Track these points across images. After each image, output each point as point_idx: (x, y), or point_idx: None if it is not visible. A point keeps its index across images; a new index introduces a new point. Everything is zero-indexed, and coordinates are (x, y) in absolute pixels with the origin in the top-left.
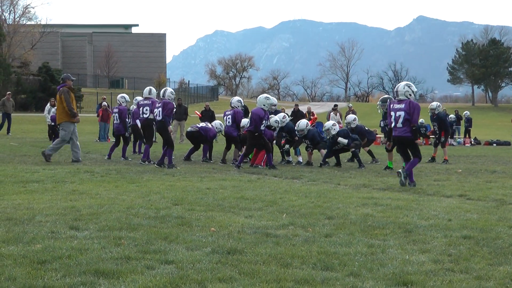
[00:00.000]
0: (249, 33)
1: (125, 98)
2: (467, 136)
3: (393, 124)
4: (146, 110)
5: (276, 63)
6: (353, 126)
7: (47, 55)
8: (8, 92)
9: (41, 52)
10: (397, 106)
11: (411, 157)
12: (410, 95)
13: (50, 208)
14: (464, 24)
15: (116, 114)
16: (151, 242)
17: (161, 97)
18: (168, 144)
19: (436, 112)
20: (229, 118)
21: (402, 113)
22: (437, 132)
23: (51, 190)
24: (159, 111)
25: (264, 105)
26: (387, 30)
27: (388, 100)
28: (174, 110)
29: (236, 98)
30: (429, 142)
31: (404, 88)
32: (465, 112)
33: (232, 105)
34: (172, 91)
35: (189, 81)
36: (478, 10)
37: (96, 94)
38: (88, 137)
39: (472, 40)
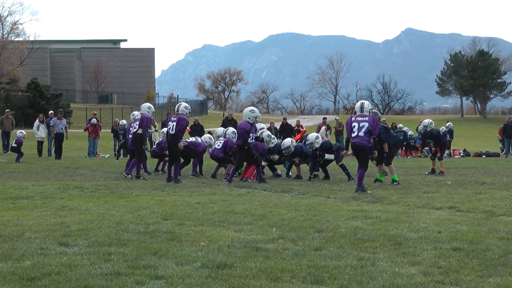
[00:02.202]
0: (237, 47)
1: (135, 116)
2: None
3: (355, 133)
4: (136, 125)
5: (265, 76)
6: None
7: (35, 71)
8: (7, 110)
9: (29, 68)
10: (360, 118)
11: (359, 165)
12: (371, 110)
13: (40, 224)
14: (452, 36)
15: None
16: (140, 257)
17: (175, 111)
18: (175, 159)
19: (429, 129)
20: (220, 142)
21: (366, 124)
22: (433, 148)
23: (40, 206)
24: (173, 125)
25: (249, 118)
26: (375, 43)
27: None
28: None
29: (232, 129)
30: (418, 154)
31: (369, 106)
32: (448, 123)
33: (227, 136)
34: (187, 105)
35: (178, 95)
36: (466, 22)
37: (85, 109)
38: (78, 152)
39: (460, 51)
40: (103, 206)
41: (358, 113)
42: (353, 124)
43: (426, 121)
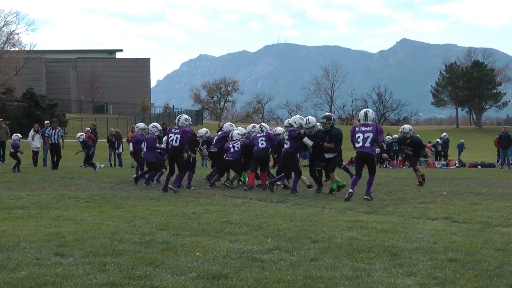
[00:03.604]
0: (233, 57)
1: (156, 128)
2: (446, 158)
3: (359, 144)
4: (176, 138)
5: (260, 87)
6: None
7: (31, 81)
8: (1, 119)
9: (25, 78)
10: (364, 129)
11: (368, 173)
12: (374, 119)
13: (35, 234)
14: (448, 46)
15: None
16: (136, 267)
17: (176, 124)
18: (182, 170)
19: (408, 136)
20: (237, 144)
21: (370, 135)
22: (411, 154)
23: (35, 216)
24: (177, 137)
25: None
26: (370, 53)
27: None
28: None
29: (239, 130)
30: (406, 165)
31: (372, 114)
32: (444, 134)
33: (234, 138)
34: (187, 117)
35: (173, 105)
36: (461, 33)
37: (80, 119)
38: (73, 162)
39: (455, 62)
40: (99, 216)
41: (362, 121)
42: (357, 134)
43: (407, 127)
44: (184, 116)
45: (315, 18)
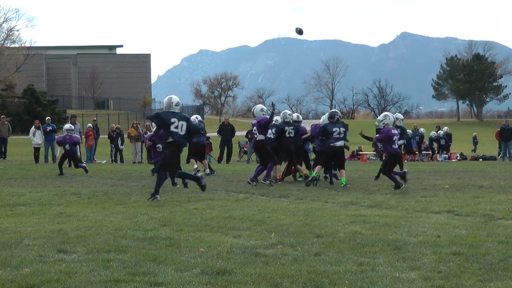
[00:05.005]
0: (233, 52)
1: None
2: (448, 152)
3: (396, 146)
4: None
5: (261, 81)
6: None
7: (32, 77)
8: (2, 116)
9: (25, 74)
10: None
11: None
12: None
13: (38, 231)
14: (448, 39)
15: None
16: (140, 264)
17: (253, 115)
18: (272, 159)
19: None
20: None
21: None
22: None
23: (38, 213)
24: (255, 129)
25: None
26: (371, 47)
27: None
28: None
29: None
30: (416, 158)
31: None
32: (445, 127)
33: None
34: (263, 107)
35: None
36: (462, 26)
37: (81, 115)
38: None
39: (456, 55)
40: (101, 212)
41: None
42: (394, 137)
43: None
44: (260, 106)
45: (315, 11)
